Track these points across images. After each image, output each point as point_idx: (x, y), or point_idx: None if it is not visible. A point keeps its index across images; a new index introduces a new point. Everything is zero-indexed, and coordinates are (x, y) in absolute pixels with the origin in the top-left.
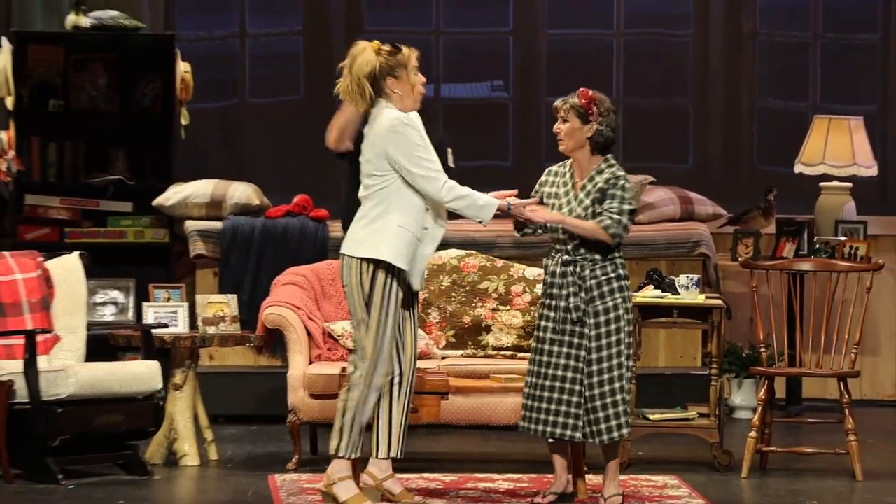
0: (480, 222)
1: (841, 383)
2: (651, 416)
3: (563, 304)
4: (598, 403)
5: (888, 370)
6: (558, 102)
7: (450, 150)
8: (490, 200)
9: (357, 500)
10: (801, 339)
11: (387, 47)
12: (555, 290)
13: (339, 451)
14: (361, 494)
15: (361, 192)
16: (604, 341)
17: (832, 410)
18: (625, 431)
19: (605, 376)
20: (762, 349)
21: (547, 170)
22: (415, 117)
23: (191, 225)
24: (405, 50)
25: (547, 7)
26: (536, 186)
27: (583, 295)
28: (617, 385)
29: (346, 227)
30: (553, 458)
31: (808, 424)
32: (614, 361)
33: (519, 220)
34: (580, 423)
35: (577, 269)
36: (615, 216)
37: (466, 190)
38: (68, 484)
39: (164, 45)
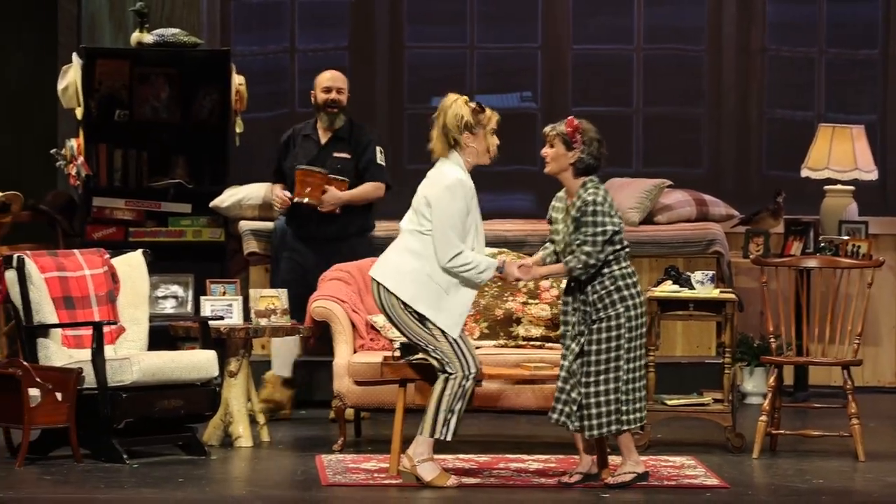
0: (480, 282)
1: (844, 371)
2: (669, 402)
3: (569, 319)
4: (591, 401)
5: (888, 359)
6: (547, 129)
7: (378, 149)
8: (490, 264)
9: (441, 479)
10: (807, 331)
11: (472, 104)
12: (567, 308)
13: (434, 433)
14: (445, 474)
15: (405, 224)
16: (603, 346)
17: (836, 396)
18: (613, 428)
19: (602, 377)
20: (772, 340)
21: (556, 195)
22: (470, 184)
23: (244, 225)
24: (488, 111)
25: (573, 24)
26: (549, 211)
27: (587, 309)
28: (612, 386)
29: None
30: (577, 441)
31: (814, 409)
32: (612, 364)
33: (506, 280)
34: (575, 417)
35: (580, 286)
36: (581, 256)
37: (472, 260)
38: (132, 463)
39: (221, 60)
